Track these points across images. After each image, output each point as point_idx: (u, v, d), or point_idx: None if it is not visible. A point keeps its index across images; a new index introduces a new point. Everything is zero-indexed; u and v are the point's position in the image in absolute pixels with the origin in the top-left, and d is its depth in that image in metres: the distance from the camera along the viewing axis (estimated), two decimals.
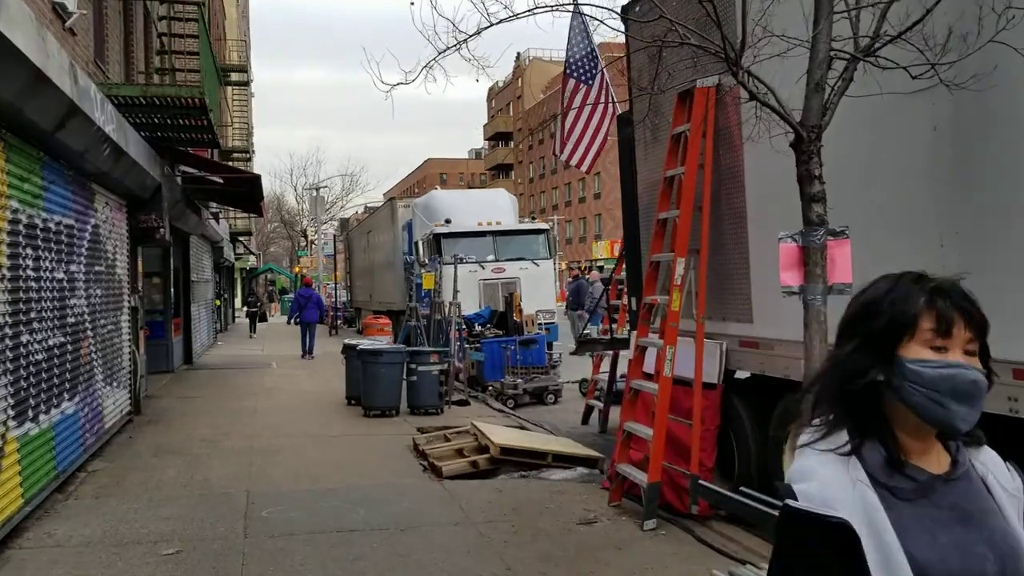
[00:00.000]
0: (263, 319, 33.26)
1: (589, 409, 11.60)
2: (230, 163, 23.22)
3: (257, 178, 15.67)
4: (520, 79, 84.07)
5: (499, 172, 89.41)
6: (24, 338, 6.78)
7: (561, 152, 9.38)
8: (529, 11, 4.66)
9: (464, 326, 14.85)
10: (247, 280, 50.47)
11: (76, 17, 9.09)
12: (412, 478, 8.22)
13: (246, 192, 16.63)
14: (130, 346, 11.41)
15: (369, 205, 58.45)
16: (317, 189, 53.69)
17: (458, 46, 4.76)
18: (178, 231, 16.20)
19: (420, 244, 20.30)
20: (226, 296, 36.20)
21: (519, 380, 13.43)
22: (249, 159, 33.19)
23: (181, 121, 11.60)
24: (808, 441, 1.54)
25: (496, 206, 21.88)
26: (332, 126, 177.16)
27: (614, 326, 11.43)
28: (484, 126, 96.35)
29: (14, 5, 5.15)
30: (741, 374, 7.00)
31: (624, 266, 12.13)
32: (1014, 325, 3.90)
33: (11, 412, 6.39)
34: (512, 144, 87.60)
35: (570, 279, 25.82)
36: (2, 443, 6.17)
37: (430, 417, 11.64)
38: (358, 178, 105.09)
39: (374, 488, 7.76)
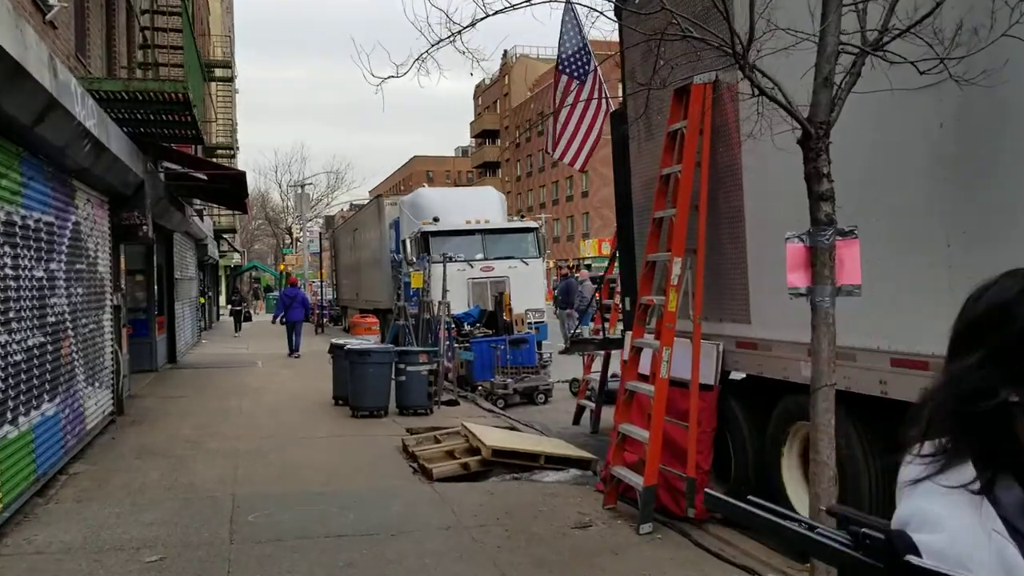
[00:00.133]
0: (247, 318, 32.85)
1: (580, 409, 11.48)
2: (214, 160, 22.94)
3: (242, 175, 15.45)
4: (507, 76, 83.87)
5: (486, 170, 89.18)
6: (2, 338, 6.59)
7: (554, 150, 9.23)
8: (526, 2, 4.52)
9: (453, 325, 14.70)
10: (231, 278, 50.08)
11: (57, 10, 8.87)
12: (402, 480, 8.07)
13: (231, 189, 16.41)
14: (112, 345, 11.19)
15: (355, 203, 58.22)
16: (302, 186, 53.37)
17: (452, 38, 4.62)
18: (161, 228, 15.96)
19: (408, 242, 20.12)
20: (210, 294, 35.89)
21: (509, 380, 13.31)
22: (233, 156, 32.88)
23: (164, 117, 11.38)
24: (925, 475, 1.25)
25: (485, 204, 21.72)
26: (317, 123, 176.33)
27: (606, 326, 11.32)
28: (471, 123, 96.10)
29: None
30: (736, 375, 6.89)
31: (616, 265, 12.05)
32: None
33: None
34: (499, 142, 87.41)
35: (558, 278, 25.67)
36: None
37: (419, 418, 11.50)
38: (344, 175, 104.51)
39: (363, 491, 7.61)
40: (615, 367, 11.55)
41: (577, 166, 9.48)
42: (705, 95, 6.60)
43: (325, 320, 35.21)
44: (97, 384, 10.24)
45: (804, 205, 5.06)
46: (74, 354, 9.05)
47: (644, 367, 7.00)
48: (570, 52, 9.60)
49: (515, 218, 23.86)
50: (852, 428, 5.26)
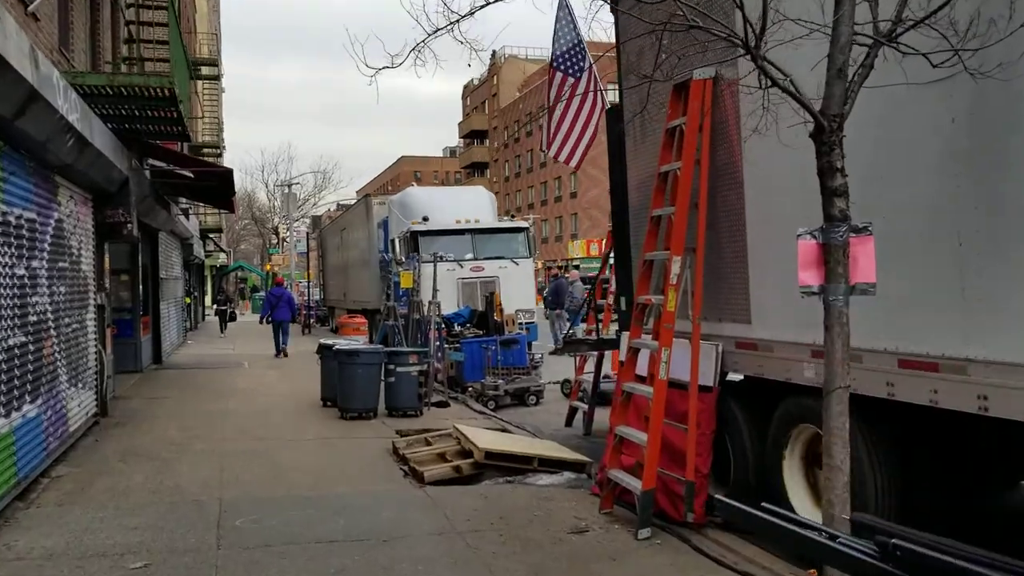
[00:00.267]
0: (232, 318, 32.48)
1: (573, 411, 11.35)
2: (200, 158, 22.66)
3: (229, 172, 15.23)
4: (496, 77, 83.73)
5: (474, 170, 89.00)
6: None
7: (548, 148, 9.09)
8: None
9: (443, 326, 14.54)
10: (217, 278, 49.70)
11: (39, 2, 8.65)
12: (392, 484, 7.90)
13: (217, 187, 16.18)
14: (96, 345, 10.96)
15: (342, 203, 57.92)
16: (289, 186, 53.00)
17: (450, 27, 4.47)
18: (146, 227, 15.72)
19: (397, 242, 19.96)
20: (196, 294, 35.56)
21: (500, 381, 13.16)
22: (220, 155, 32.55)
23: (150, 112, 11.17)
24: None
25: (475, 204, 21.58)
26: (304, 123, 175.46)
27: (599, 326, 11.19)
28: (459, 124, 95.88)
29: None
30: (733, 376, 6.76)
31: (609, 265, 11.92)
32: None
33: None
34: (488, 142, 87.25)
35: (547, 279, 25.54)
36: None
37: (409, 419, 11.33)
38: (331, 175, 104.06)
39: (353, 495, 7.43)
40: (607, 368, 11.46)
41: (572, 164, 9.36)
42: (705, 91, 6.47)
43: (312, 321, 34.95)
44: (80, 385, 10.01)
45: (810, 201, 4.93)
46: (56, 354, 8.83)
47: (641, 368, 6.87)
48: (564, 48, 9.48)
49: (505, 218, 23.72)
50: (857, 431, 5.13)
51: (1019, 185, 4.07)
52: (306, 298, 37.30)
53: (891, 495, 5.11)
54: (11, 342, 7.14)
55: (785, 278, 5.81)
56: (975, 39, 3.82)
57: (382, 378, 11.68)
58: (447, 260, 17.08)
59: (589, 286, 26.72)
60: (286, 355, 20.79)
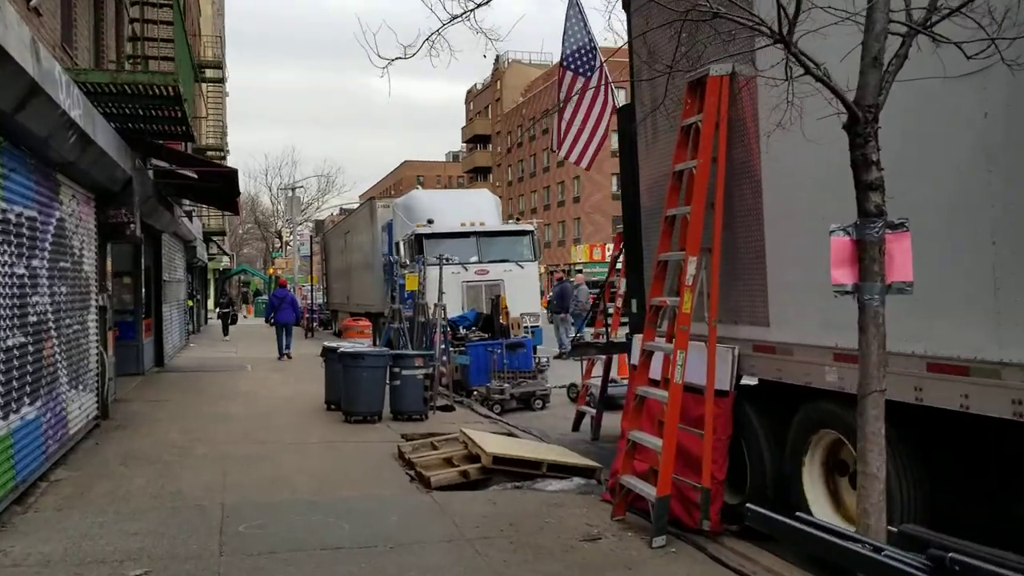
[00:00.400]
0: (233, 321, 32.28)
1: (580, 415, 11.18)
2: (205, 159, 22.52)
3: (234, 172, 15.08)
4: (499, 82, 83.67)
5: (477, 174, 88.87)
6: None
7: (559, 148, 8.93)
8: None
9: (449, 329, 14.38)
10: (220, 281, 49.59)
11: None
12: (399, 489, 7.74)
13: (222, 188, 16.03)
14: (97, 347, 10.81)
15: (344, 207, 57.80)
16: (293, 189, 52.91)
17: (466, 14, 4.32)
18: (149, 228, 15.58)
19: (401, 245, 19.83)
20: (199, 297, 35.42)
21: (506, 385, 12.98)
22: (223, 158, 32.46)
23: (153, 111, 11.02)
24: None
25: (479, 207, 21.45)
26: (306, 129, 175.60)
27: (608, 329, 11.03)
28: (462, 128, 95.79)
29: None
30: (748, 380, 6.58)
31: (617, 268, 11.76)
32: None
33: None
34: (491, 147, 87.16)
35: (555, 282, 25.39)
36: None
37: (414, 423, 11.17)
38: (334, 179, 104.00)
39: (359, 500, 7.27)
40: (614, 372, 11.29)
41: (583, 165, 9.20)
42: (722, 87, 6.32)
43: (315, 324, 34.82)
44: (81, 387, 9.86)
45: (835, 198, 4.78)
46: (57, 356, 8.67)
47: (655, 371, 6.70)
48: (574, 48, 9.34)
49: (511, 221, 23.58)
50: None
51: None
52: (309, 301, 37.14)
53: (917, 501, 4.94)
54: (10, 343, 6.99)
55: (806, 278, 5.65)
56: (1014, 28, 3.66)
57: (387, 381, 11.52)
58: (452, 263, 16.92)
59: (596, 291, 26.62)
60: (289, 357, 20.67)
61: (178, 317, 23.70)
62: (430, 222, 19.70)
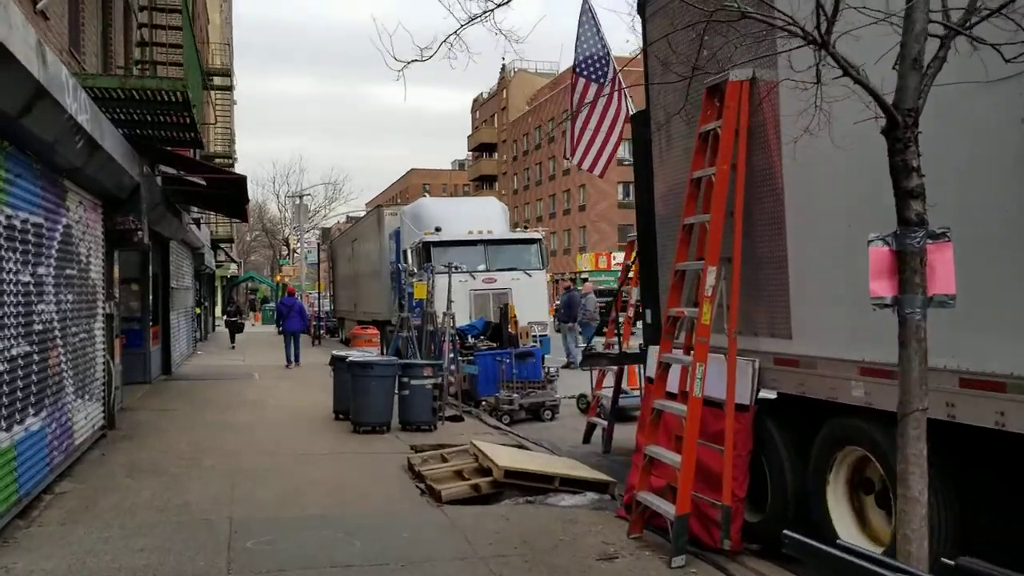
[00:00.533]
0: (239, 329, 31.96)
1: (591, 427, 11.01)
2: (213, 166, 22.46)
3: (243, 179, 14.96)
4: (505, 91, 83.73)
5: (483, 183, 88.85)
6: None
7: (572, 155, 8.79)
8: None
9: (457, 338, 14.23)
10: (228, 288, 49.57)
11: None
12: (409, 503, 7.58)
13: (231, 195, 15.92)
14: (104, 355, 10.69)
15: (351, 215, 57.84)
16: (300, 197, 52.91)
17: (485, 14, 4.18)
18: (157, 235, 15.49)
19: (409, 252, 19.71)
20: (206, 304, 35.35)
21: (515, 395, 12.82)
22: (231, 166, 32.35)
23: (162, 117, 10.92)
24: None
25: (487, 215, 21.31)
26: (313, 137, 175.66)
27: (620, 339, 10.86)
28: (468, 137, 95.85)
29: None
30: (766, 393, 6.42)
31: (628, 276, 11.60)
32: None
33: None
34: (497, 155, 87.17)
35: (563, 291, 25.22)
36: None
37: (423, 434, 11.02)
38: (341, 187, 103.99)
39: (369, 514, 7.11)
40: (624, 383, 11.12)
41: (596, 172, 9.05)
42: (742, 92, 6.17)
43: (322, 332, 34.69)
44: (87, 396, 9.73)
45: (861, 207, 4.62)
46: (63, 365, 8.55)
47: (672, 384, 6.54)
48: (587, 54, 9.20)
49: (518, 229, 23.46)
50: None
51: None
52: (316, 309, 37.04)
53: (948, 523, 4.76)
54: (15, 352, 6.86)
55: (830, 289, 5.49)
56: None
57: (396, 391, 11.38)
58: (460, 271, 16.78)
59: (603, 300, 26.46)
60: (298, 365, 20.60)
61: (185, 325, 23.61)
62: (438, 230, 19.57)
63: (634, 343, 11.10)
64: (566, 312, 21.79)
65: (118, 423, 11.34)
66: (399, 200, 74.43)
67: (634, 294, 11.15)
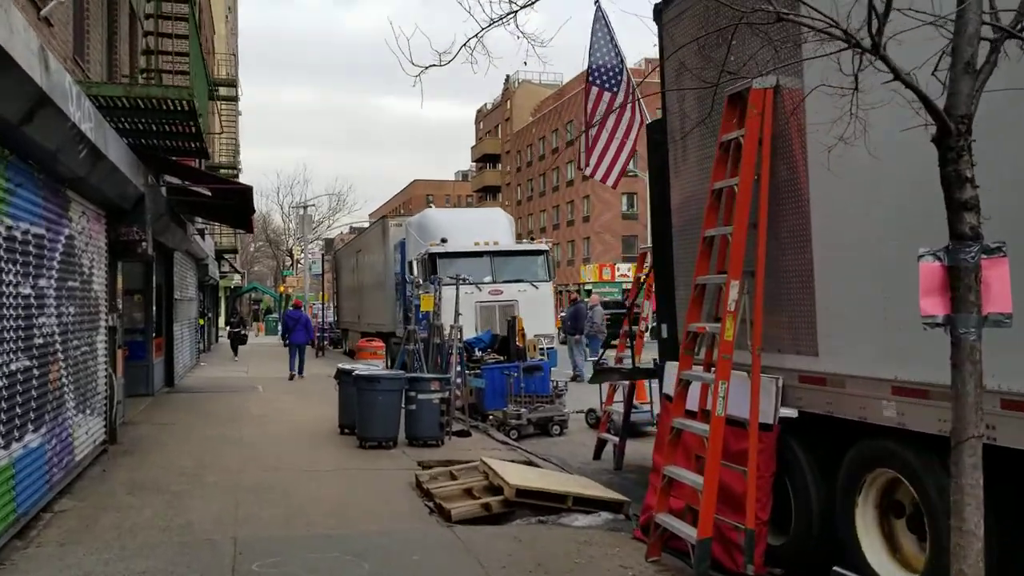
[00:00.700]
0: (243, 341, 31.58)
1: (602, 443, 10.77)
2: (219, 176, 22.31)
3: (249, 189, 14.80)
4: (509, 102, 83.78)
5: (486, 194, 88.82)
6: None
7: (586, 166, 8.60)
8: None
9: (464, 351, 14.02)
10: (231, 299, 49.43)
11: (53, 5, 8.25)
12: (418, 522, 7.36)
13: (236, 205, 15.76)
14: (106, 369, 10.50)
15: (354, 225, 57.70)
16: (304, 208, 52.88)
17: (507, 17, 4.01)
18: (162, 246, 15.32)
19: (414, 264, 19.54)
20: (210, 315, 35.17)
21: (523, 410, 12.59)
22: (236, 176, 32.26)
23: (167, 127, 10.77)
24: None
25: (493, 226, 21.17)
26: (316, 149, 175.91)
27: (632, 353, 10.64)
28: (472, 148, 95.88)
29: None
30: (787, 412, 6.19)
31: (639, 289, 11.40)
32: None
33: None
34: (500, 166, 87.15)
35: (570, 303, 25.01)
36: None
37: (430, 449, 10.80)
38: (345, 197, 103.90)
39: (378, 534, 6.89)
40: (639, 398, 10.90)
41: (610, 183, 8.86)
42: (765, 101, 5.98)
43: (326, 343, 34.47)
44: (88, 411, 9.53)
45: (901, 219, 4.42)
46: (63, 379, 8.35)
47: (692, 402, 6.33)
48: (601, 63, 9.04)
49: (524, 240, 23.29)
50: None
51: None
52: (320, 320, 36.84)
53: (990, 551, 4.53)
54: (14, 367, 6.67)
55: (860, 304, 5.28)
56: None
57: (402, 405, 11.16)
58: (467, 283, 16.59)
59: (609, 312, 26.23)
60: (302, 377, 20.44)
61: (189, 336, 23.44)
62: (444, 241, 19.42)
63: (646, 357, 10.90)
64: (572, 324, 21.57)
65: (120, 437, 11.14)
66: (402, 211, 74.33)
67: (646, 307, 10.95)
